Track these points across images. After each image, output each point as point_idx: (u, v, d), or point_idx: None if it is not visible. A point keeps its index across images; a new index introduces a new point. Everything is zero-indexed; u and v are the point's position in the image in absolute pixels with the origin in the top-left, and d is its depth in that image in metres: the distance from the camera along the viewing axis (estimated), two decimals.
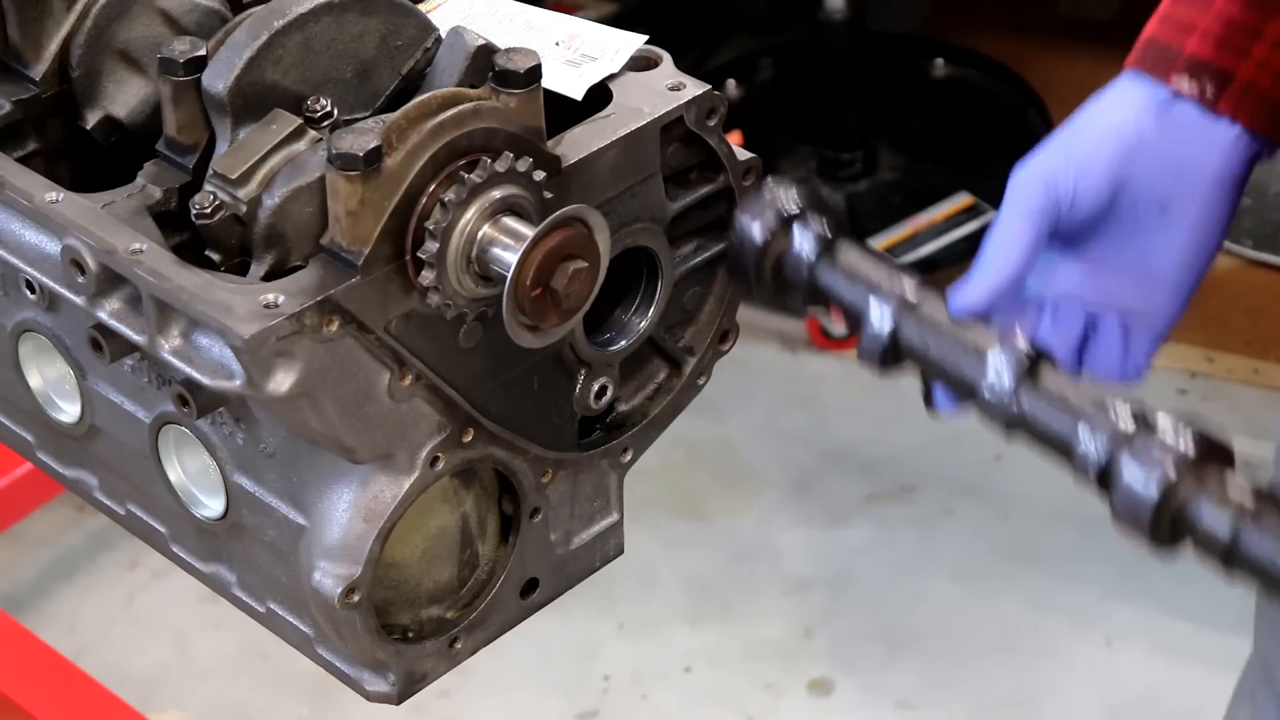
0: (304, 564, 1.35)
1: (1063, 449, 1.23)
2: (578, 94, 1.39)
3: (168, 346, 1.29)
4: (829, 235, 1.34)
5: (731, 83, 3.98)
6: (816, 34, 3.92)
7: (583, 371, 1.43)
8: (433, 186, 1.27)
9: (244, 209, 1.30)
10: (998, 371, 1.25)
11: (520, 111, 1.30)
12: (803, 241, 1.34)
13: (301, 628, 1.41)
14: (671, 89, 1.40)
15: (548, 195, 1.30)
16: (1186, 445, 1.19)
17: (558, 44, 1.42)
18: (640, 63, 1.42)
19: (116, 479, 1.50)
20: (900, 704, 3.09)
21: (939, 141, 4.07)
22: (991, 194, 3.82)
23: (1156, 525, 1.19)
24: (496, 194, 1.28)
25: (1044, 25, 4.33)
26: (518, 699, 3.13)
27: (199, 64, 1.33)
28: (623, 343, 1.44)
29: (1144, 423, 1.21)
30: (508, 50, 1.31)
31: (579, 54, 1.42)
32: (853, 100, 3.91)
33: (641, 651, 3.19)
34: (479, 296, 1.30)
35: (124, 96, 1.43)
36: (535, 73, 1.30)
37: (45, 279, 1.37)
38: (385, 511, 1.34)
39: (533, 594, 1.47)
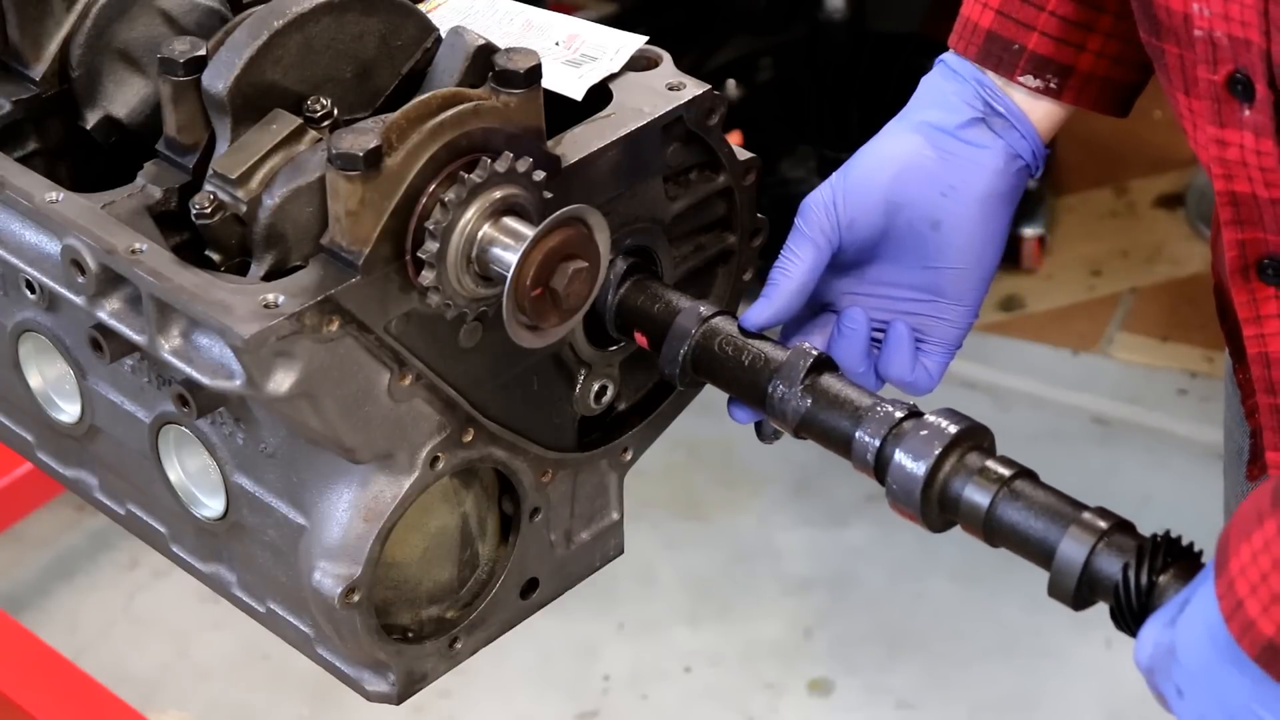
0: (304, 564, 1.35)
1: (842, 444, 1.34)
2: (578, 94, 1.39)
3: (168, 346, 1.29)
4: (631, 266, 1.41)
5: (731, 83, 3.97)
6: (816, 34, 3.92)
7: (583, 372, 1.43)
8: (433, 186, 1.27)
9: (244, 209, 1.30)
10: (782, 377, 1.35)
11: (520, 111, 1.30)
12: (610, 272, 1.40)
13: (301, 628, 1.41)
14: (671, 89, 1.40)
15: (548, 195, 1.30)
16: (949, 430, 1.29)
17: (558, 44, 1.42)
18: (640, 63, 1.42)
19: (116, 479, 1.50)
20: (900, 704, 3.09)
21: None
22: None
23: (926, 503, 1.30)
24: (496, 194, 1.28)
25: None
26: (518, 699, 3.13)
27: (199, 64, 1.33)
28: (623, 342, 1.44)
29: (912, 414, 1.32)
30: (508, 50, 1.30)
31: (579, 54, 1.42)
32: (853, 100, 3.91)
33: (641, 651, 3.19)
34: (479, 296, 1.30)
35: (124, 96, 1.43)
36: (535, 73, 1.30)
37: (45, 279, 1.36)
38: (385, 511, 1.34)
39: (533, 594, 1.47)
